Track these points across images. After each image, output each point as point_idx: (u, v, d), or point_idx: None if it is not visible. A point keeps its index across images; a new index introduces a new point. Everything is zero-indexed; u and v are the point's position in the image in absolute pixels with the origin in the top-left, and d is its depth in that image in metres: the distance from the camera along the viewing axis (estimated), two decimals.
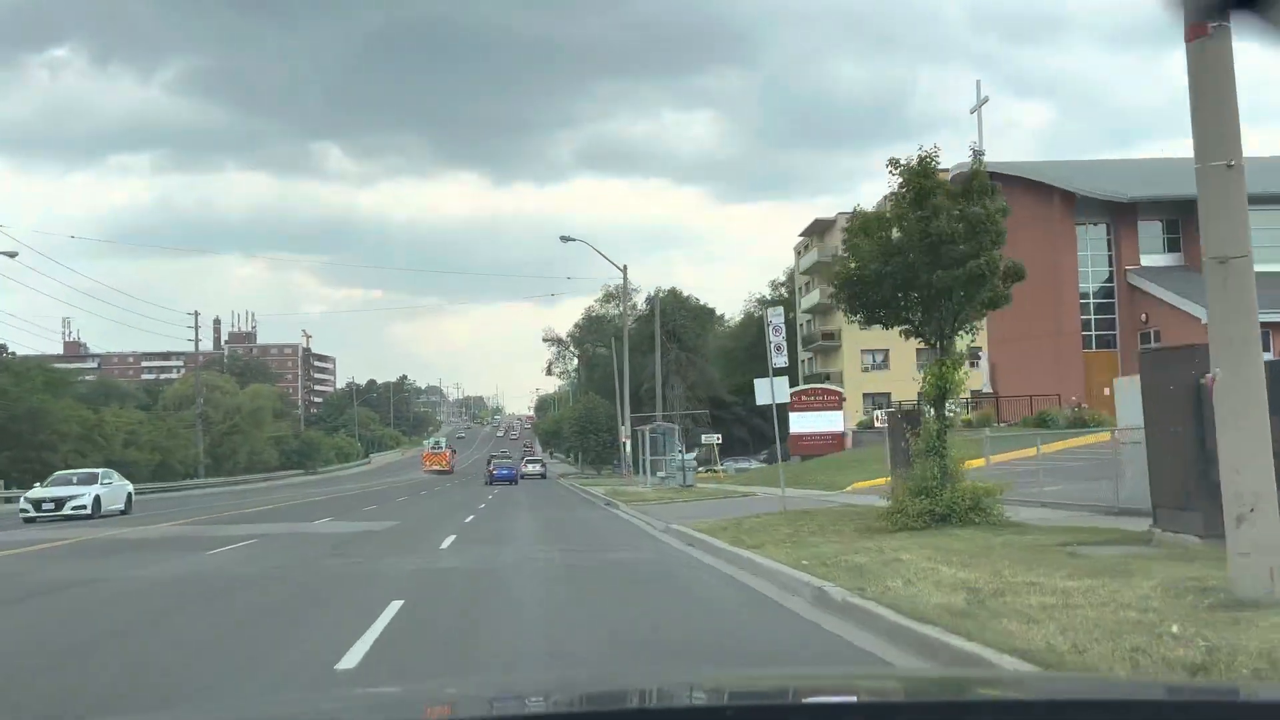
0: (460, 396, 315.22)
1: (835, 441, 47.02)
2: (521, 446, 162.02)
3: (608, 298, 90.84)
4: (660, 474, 45.99)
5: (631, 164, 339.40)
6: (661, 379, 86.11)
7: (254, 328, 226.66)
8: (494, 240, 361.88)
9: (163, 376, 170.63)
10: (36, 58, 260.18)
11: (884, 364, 76.58)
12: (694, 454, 42.03)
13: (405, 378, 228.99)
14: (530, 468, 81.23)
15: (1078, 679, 4.10)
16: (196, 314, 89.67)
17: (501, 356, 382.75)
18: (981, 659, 6.54)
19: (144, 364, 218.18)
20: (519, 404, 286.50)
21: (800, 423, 47.50)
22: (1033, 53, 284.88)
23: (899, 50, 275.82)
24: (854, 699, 2.59)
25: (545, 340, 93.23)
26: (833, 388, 53.86)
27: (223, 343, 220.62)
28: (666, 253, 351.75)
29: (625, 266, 55.04)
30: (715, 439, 56.36)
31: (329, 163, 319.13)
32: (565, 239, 53.31)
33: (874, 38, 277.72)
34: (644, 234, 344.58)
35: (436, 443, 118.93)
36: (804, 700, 2.53)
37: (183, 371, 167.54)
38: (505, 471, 67.93)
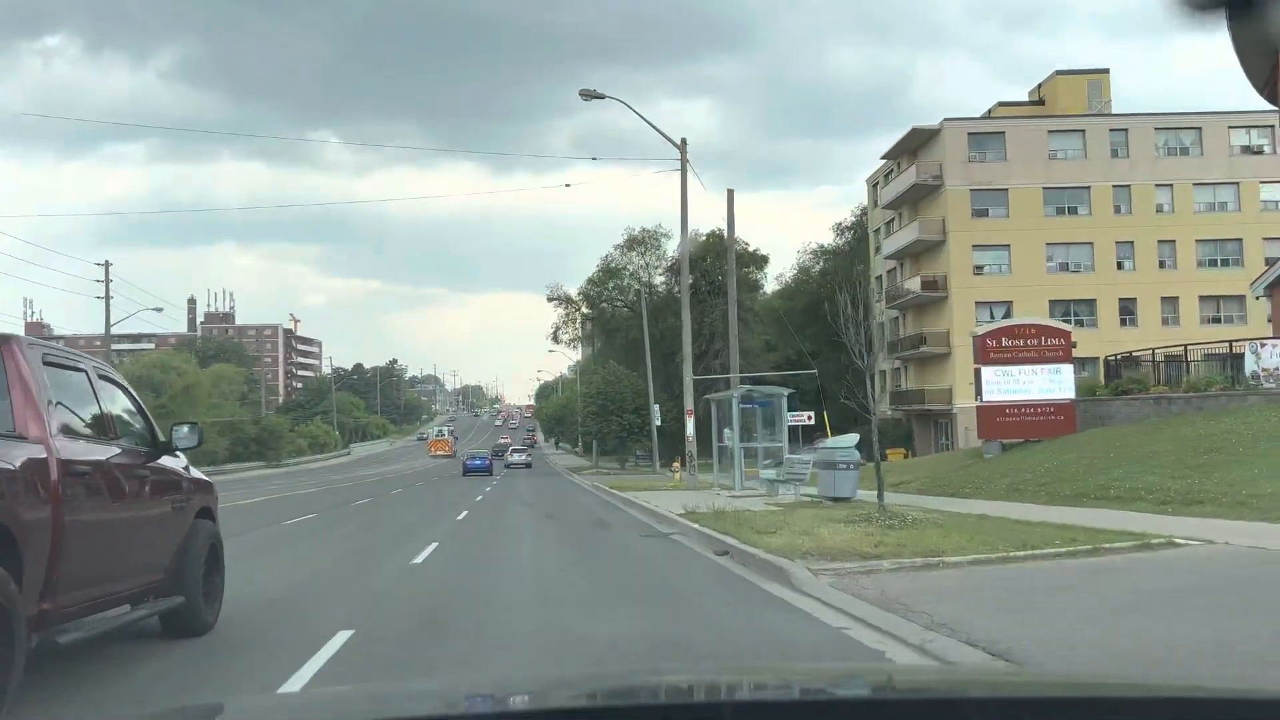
0: (458, 386, 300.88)
1: (1062, 418, 26.49)
2: (522, 435, 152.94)
3: (630, 243, 70.11)
4: (771, 473, 25.47)
5: (629, 153, 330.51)
6: (708, 341, 65.57)
7: (232, 308, 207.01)
8: (493, 230, 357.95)
9: (125, 360, 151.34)
10: (30, 45, 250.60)
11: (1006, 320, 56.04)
12: (841, 441, 21.62)
13: (395, 361, 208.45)
14: (515, 457, 75.61)
15: (1079, 677, 3.95)
16: (107, 264, 68.61)
17: (501, 347, 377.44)
18: None
19: (113, 346, 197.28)
20: (519, 393, 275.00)
21: (997, 384, 26.94)
22: (1032, 41, 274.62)
23: (898, 39, 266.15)
24: (853, 695, 2.42)
25: (551, 300, 72.73)
26: (1056, 324, 32.74)
27: (198, 323, 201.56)
28: (665, 244, 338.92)
29: (684, 140, 34.27)
30: (806, 418, 36.20)
31: (326, 152, 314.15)
32: (588, 95, 32.61)
33: (873, 27, 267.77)
34: (644, 223, 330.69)
35: (440, 431, 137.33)
36: (803, 698, 2.39)
37: (153, 352, 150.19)
38: (478, 462, 63.61)
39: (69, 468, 6.03)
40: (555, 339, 73.29)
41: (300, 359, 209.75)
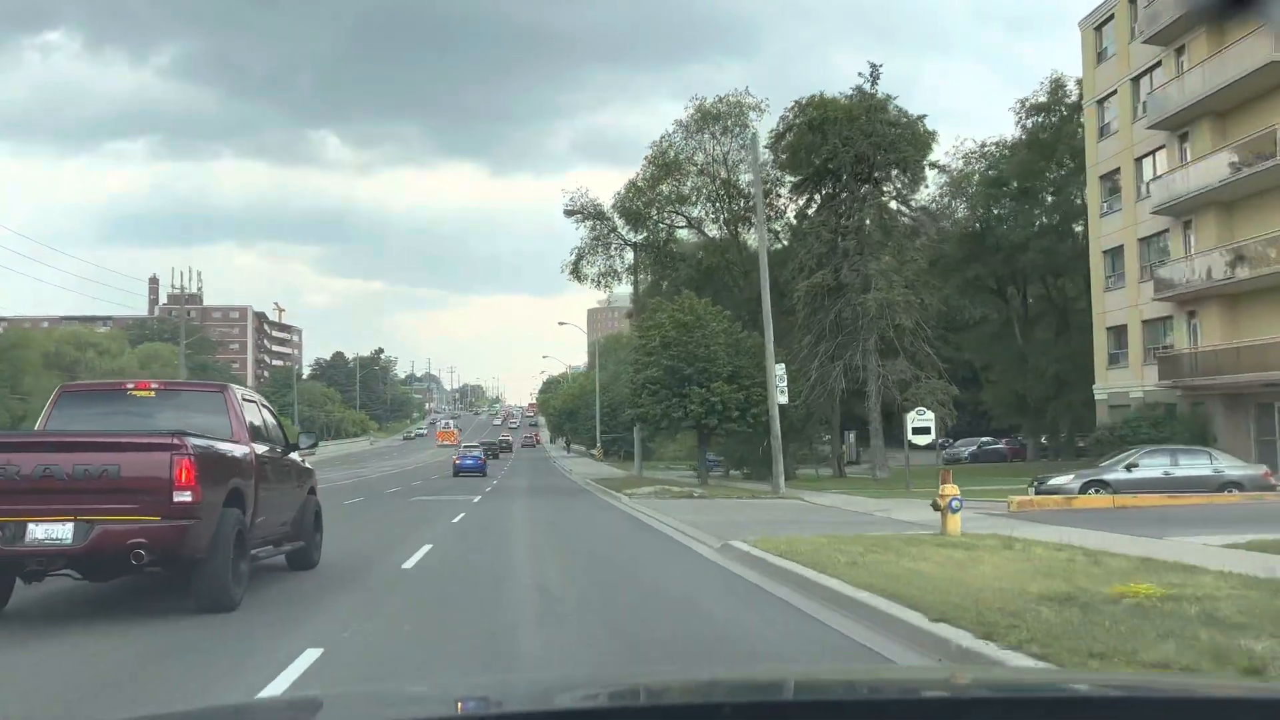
0: (456, 385, 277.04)
1: None
2: (523, 433, 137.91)
3: (701, 120, 42.62)
4: None
5: (629, 154, 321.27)
6: (843, 259, 37.28)
7: (200, 289, 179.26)
8: (493, 230, 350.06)
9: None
10: (30, 41, 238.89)
11: None
12: None
13: (381, 351, 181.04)
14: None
15: (1081, 677, 3.85)
16: None
17: (503, 350, 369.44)
18: None
19: (63, 328, 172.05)
20: (521, 394, 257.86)
21: None
22: (1034, 46, 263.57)
23: (900, 44, 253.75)
24: (853, 696, 2.30)
25: (570, 214, 44.99)
26: None
27: (159, 304, 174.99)
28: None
29: None
30: None
31: (327, 151, 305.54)
32: None
33: (875, 30, 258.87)
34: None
35: (446, 424, 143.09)
36: (803, 697, 2.28)
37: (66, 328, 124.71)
38: (471, 461, 50.91)
39: (257, 459, 10.30)
40: (576, 273, 45.45)
41: (277, 347, 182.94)
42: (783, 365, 28.18)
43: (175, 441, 8.50)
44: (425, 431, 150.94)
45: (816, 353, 34.62)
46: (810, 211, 37.73)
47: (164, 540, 8.40)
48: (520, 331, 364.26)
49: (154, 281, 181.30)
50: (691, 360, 31.33)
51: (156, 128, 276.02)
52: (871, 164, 35.42)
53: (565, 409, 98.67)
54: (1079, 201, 45.10)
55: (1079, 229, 46.77)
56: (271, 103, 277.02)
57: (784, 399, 27.86)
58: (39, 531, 8.28)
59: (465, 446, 61.29)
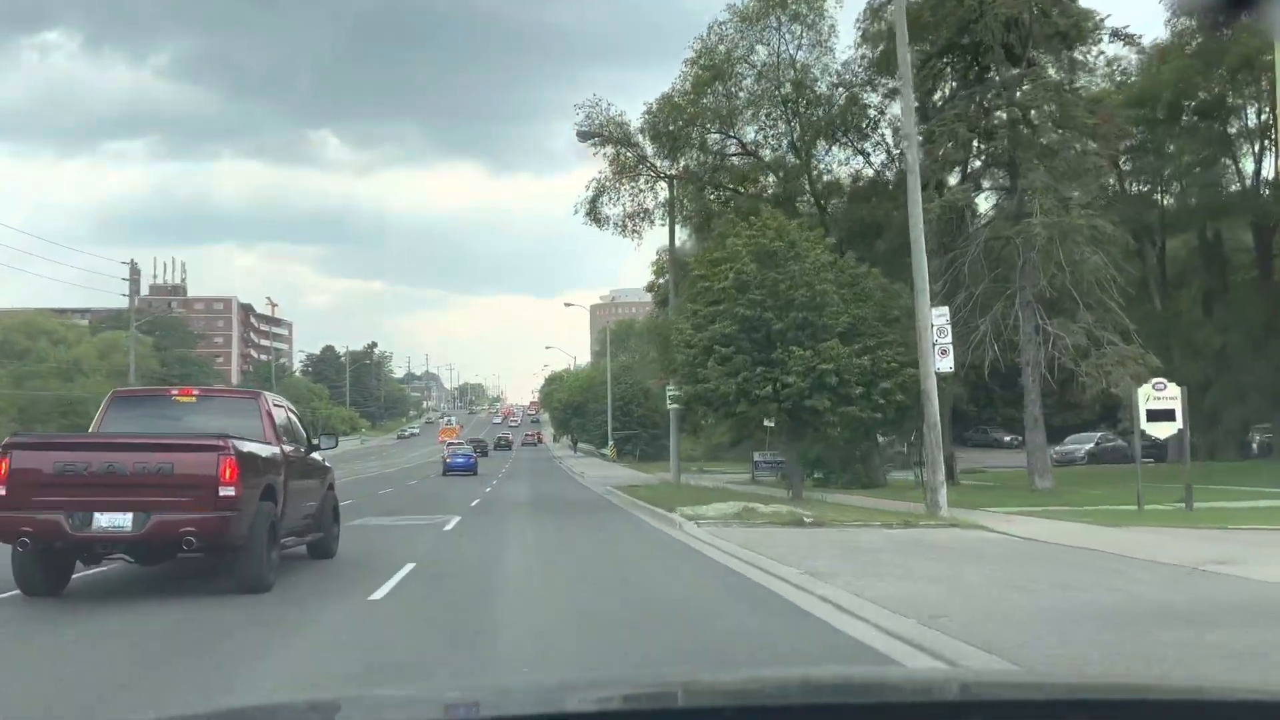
0: (456, 384, 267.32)
1: None
2: (524, 431, 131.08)
3: (763, 6, 31.39)
4: None
5: None
6: (990, 180, 25.56)
7: (183, 280, 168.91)
8: (493, 230, 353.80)
9: None
10: (29, 41, 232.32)
11: None
12: None
13: (375, 345, 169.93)
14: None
15: (1082, 679, 3.80)
16: None
17: (504, 351, 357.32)
18: None
19: (12, 316, 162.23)
20: (523, 394, 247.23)
21: None
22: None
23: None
24: (855, 698, 2.23)
25: (585, 138, 33.58)
26: None
27: (139, 295, 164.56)
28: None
29: None
30: None
31: (327, 151, 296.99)
32: None
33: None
34: None
35: (448, 420, 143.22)
36: (805, 700, 2.25)
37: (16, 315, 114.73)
38: (462, 460, 48.20)
39: (286, 457, 11.44)
40: (593, 215, 34.10)
41: (265, 341, 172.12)
42: (945, 310, 17.32)
43: (221, 443, 9.85)
44: (418, 431, 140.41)
45: (951, 303, 23.70)
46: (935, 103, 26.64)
47: (210, 529, 9.69)
48: (521, 332, 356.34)
49: (135, 270, 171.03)
50: (785, 309, 20.29)
51: (156, 128, 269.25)
52: (1028, 34, 24.56)
53: (572, 403, 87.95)
54: (1255, 121, 34.15)
55: (1246, 163, 35.86)
56: (271, 103, 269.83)
57: (945, 365, 16.99)
58: (103, 520, 9.63)
59: (452, 445, 56.32)
